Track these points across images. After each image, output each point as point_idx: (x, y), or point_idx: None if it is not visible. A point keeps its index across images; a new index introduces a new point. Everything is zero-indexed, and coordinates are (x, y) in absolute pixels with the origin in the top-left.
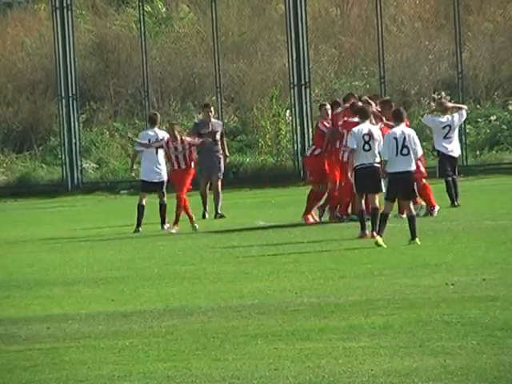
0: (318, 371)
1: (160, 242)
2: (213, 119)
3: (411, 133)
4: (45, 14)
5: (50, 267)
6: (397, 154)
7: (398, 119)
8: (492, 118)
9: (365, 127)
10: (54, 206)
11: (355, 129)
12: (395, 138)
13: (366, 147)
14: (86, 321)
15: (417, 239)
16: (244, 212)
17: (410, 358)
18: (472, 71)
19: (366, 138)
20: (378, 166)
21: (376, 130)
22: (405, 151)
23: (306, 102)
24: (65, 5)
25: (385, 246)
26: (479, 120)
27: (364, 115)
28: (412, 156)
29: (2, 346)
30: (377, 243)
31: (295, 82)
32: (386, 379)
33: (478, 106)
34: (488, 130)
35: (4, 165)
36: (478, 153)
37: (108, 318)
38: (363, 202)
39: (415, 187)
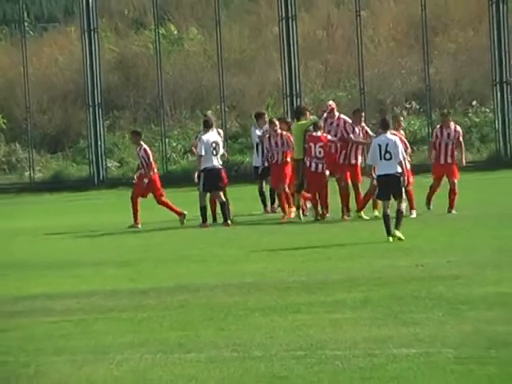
0: (307, 339)
1: (171, 230)
2: None
3: (395, 140)
4: (75, 35)
5: (80, 251)
6: (380, 158)
7: (383, 127)
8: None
9: (212, 136)
10: (82, 198)
11: (204, 138)
12: (379, 145)
13: (214, 152)
14: (110, 296)
15: (399, 233)
16: (245, 204)
17: (385, 328)
18: (438, 84)
19: (214, 145)
20: (221, 167)
21: (220, 138)
22: (387, 156)
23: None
24: (92, 28)
25: (403, 237)
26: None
27: (207, 125)
28: (395, 160)
29: (40, 317)
30: (398, 238)
31: (287, 93)
32: (365, 345)
33: None
34: None
35: (40, 164)
36: None
37: (129, 294)
38: (208, 198)
39: (401, 188)
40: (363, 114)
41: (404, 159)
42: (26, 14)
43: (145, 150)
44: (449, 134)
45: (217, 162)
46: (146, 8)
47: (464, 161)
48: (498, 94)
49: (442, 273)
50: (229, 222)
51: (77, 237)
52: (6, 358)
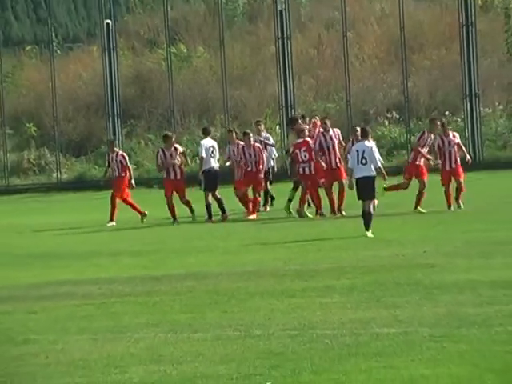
0: (301, 320)
1: (180, 225)
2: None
3: (371, 147)
4: (97, 53)
5: (100, 243)
6: (358, 163)
7: (363, 136)
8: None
9: (209, 142)
10: (102, 197)
11: (203, 143)
12: (357, 151)
13: (212, 155)
14: (127, 283)
15: (368, 232)
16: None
17: (369, 310)
18: (415, 96)
19: (211, 148)
20: (218, 169)
21: (216, 144)
22: (363, 161)
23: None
24: (112, 47)
25: (372, 235)
26: (420, 132)
27: (206, 132)
28: (370, 165)
29: (65, 301)
30: (366, 236)
31: (283, 104)
32: (351, 326)
33: (420, 123)
34: None
35: (66, 166)
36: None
37: (143, 281)
38: (210, 197)
39: (374, 190)
40: (327, 122)
41: (382, 164)
42: (54, 36)
43: (123, 156)
44: (450, 142)
45: (214, 163)
46: (159, 29)
47: (469, 157)
48: (468, 105)
49: (419, 262)
50: (226, 214)
51: (97, 230)
52: (36, 337)
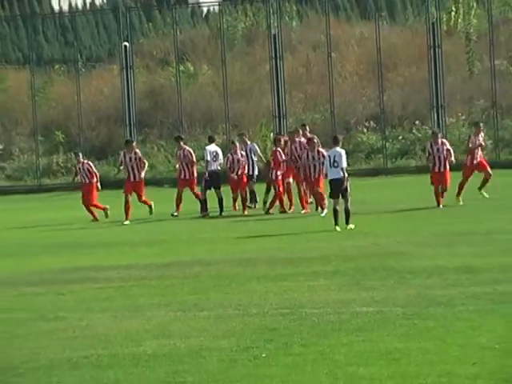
0: (291, 300)
1: (187, 220)
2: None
3: (341, 152)
4: (116, 71)
5: (120, 234)
6: (330, 166)
7: (334, 143)
8: (402, 137)
9: (213, 147)
10: (121, 195)
11: (207, 148)
12: (329, 156)
13: (214, 159)
14: (143, 268)
15: (350, 225)
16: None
17: (350, 292)
18: (390, 108)
19: (214, 153)
20: (219, 171)
21: (219, 150)
22: (335, 164)
23: (283, 128)
24: (129, 66)
25: (339, 230)
26: (394, 139)
27: (211, 140)
28: (339, 168)
29: (89, 284)
30: (335, 230)
31: (276, 115)
32: (335, 305)
33: (394, 130)
34: (400, 146)
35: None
36: (394, 160)
37: (157, 267)
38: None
39: (347, 187)
40: (316, 141)
41: (346, 169)
42: (79, 56)
43: (88, 164)
44: (438, 149)
45: (215, 166)
46: (169, 50)
47: (453, 159)
48: (435, 115)
49: (392, 250)
50: (222, 214)
51: (117, 225)
52: (65, 314)
